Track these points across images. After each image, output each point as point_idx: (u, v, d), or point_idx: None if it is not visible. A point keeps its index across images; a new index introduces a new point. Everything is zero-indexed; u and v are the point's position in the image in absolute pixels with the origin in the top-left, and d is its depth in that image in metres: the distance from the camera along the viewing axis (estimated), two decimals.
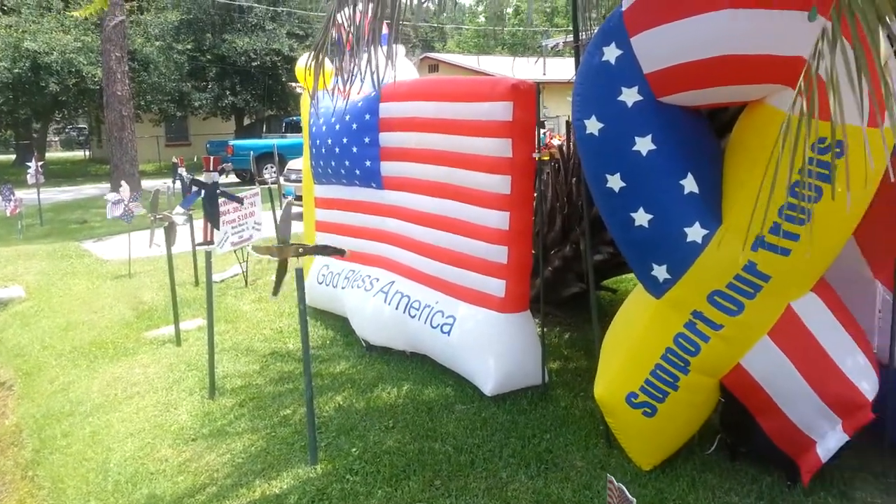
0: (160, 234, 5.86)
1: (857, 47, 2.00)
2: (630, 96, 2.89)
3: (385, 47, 3.29)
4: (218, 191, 4.53)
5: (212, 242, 4.74)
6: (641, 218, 3.00)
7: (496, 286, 4.25)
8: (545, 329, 5.45)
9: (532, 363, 4.27)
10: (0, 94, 20.55)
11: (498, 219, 4.21)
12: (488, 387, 4.19)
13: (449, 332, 4.44)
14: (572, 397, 4.18)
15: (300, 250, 3.54)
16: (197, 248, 4.60)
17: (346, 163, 5.42)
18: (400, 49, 8.92)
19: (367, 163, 5.22)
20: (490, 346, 4.22)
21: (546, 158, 5.81)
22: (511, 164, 4.12)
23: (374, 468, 3.55)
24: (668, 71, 2.80)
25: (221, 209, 7.34)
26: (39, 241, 11.31)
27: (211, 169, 4.52)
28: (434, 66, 28.15)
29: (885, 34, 2.13)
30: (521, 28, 33.80)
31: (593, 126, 3.00)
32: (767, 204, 2.45)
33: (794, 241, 2.78)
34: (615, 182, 3.02)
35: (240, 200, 4.68)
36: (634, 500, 2.01)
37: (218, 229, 4.70)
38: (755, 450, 3.26)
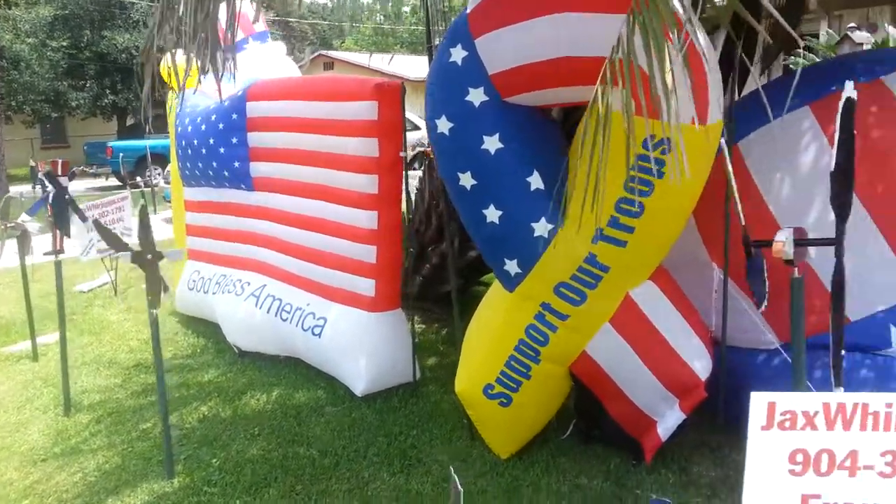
0: (11, 244, 5.45)
1: (659, 44, 2.12)
2: (477, 96, 2.95)
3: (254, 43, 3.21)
4: (66, 197, 4.26)
5: (62, 251, 4.45)
6: (492, 214, 3.08)
7: (366, 286, 4.24)
8: (424, 326, 5.53)
9: (403, 361, 4.29)
10: None
11: (366, 218, 4.20)
12: (359, 387, 4.18)
13: (320, 334, 4.39)
14: (442, 392, 4.23)
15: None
16: (44, 256, 4.30)
17: (214, 164, 5.25)
18: (280, 46, 8.74)
19: (236, 164, 5.07)
20: (361, 346, 4.20)
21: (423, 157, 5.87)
22: (378, 163, 4.12)
23: (234, 478, 3.45)
24: (512, 72, 2.89)
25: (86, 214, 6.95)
26: None
27: (60, 173, 4.26)
28: (329, 64, 27.81)
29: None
30: (419, 27, 33.97)
31: (444, 126, 3.05)
32: (588, 200, 2.58)
33: (630, 234, 2.93)
34: (467, 180, 3.08)
35: (83, 217, 4.37)
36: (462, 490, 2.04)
37: (69, 237, 4.41)
38: (604, 433, 3.41)
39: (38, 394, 4.73)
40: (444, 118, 3.04)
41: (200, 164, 5.43)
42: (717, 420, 3.42)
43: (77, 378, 4.90)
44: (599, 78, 2.21)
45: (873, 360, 3.02)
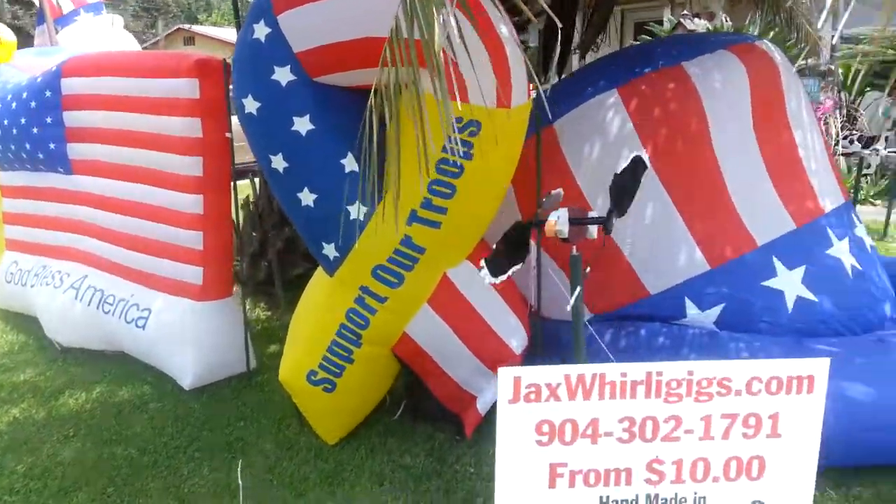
0: None
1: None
2: (283, 75, 2.86)
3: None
4: None
5: None
6: (307, 198, 3.02)
7: (193, 274, 4.05)
8: (269, 312, 5.38)
9: (236, 350, 4.15)
10: None
11: (191, 203, 4.00)
12: (187, 380, 4.00)
13: (144, 326, 4.15)
14: (277, 381, 4.12)
15: None
16: None
17: (27, 145, 4.81)
18: (117, 19, 8.11)
19: (52, 145, 4.67)
20: (187, 337, 4.02)
21: None
22: (202, 144, 3.93)
23: (40, 484, 3.20)
24: (317, 51, 2.82)
25: None
26: None
27: None
28: (190, 39, 26.33)
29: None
30: None
31: (251, 105, 2.94)
32: (401, 182, 2.59)
33: (443, 215, 2.96)
34: (279, 162, 2.99)
35: None
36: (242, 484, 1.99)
37: None
38: (429, 411, 3.47)
39: None
40: (250, 97, 2.93)
41: (13, 146, 4.95)
42: None
43: None
44: (381, 59, 2.19)
45: (669, 328, 3.25)
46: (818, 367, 1.82)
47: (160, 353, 4.14)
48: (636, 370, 1.64)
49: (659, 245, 3.32)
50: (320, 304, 3.29)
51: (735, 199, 3.29)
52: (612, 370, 1.60)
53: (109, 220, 4.42)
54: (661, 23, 11.68)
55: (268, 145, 2.98)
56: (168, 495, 3.06)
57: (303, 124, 2.91)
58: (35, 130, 4.71)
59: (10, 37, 8.04)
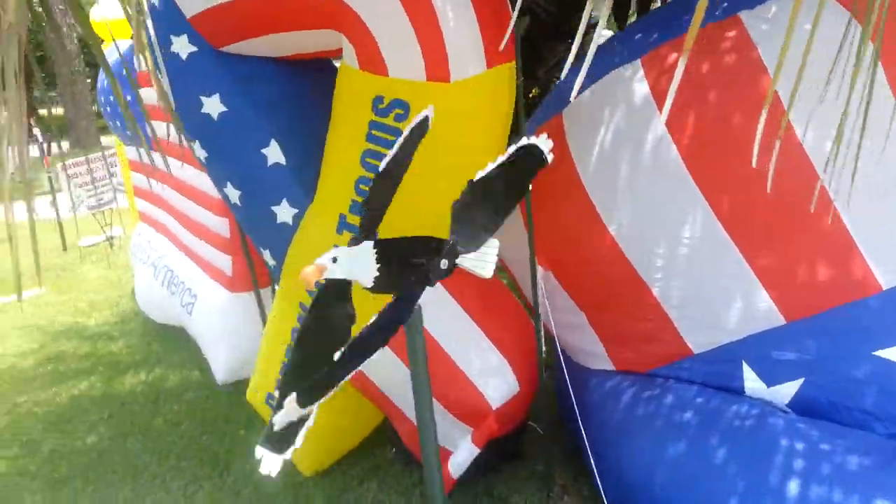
0: None
1: None
2: (182, 46, 2.35)
3: None
4: None
5: None
6: (233, 194, 2.51)
7: (224, 262, 3.82)
8: None
9: None
10: None
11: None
12: (220, 375, 3.81)
13: (192, 312, 4.05)
14: None
15: None
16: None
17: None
18: None
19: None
20: (221, 328, 3.82)
21: None
22: None
23: (49, 468, 3.25)
24: (208, 15, 2.25)
25: (71, 171, 7.00)
26: None
27: None
28: None
29: None
30: None
31: (165, 83, 2.48)
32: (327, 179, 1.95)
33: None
34: (200, 151, 2.52)
35: None
36: None
37: None
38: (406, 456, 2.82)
39: None
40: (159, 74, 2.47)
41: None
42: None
43: (4, 341, 4.96)
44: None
45: (707, 400, 2.14)
46: None
47: (202, 342, 4.01)
48: None
49: (702, 283, 2.21)
50: (272, 319, 2.79)
51: (845, 215, 2.02)
52: None
53: (174, 197, 4.37)
54: None
55: (187, 130, 2.51)
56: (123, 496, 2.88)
57: (213, 106, 2.37)
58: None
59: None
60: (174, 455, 3.24)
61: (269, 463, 1.40)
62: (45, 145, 8.39)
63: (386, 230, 2.18)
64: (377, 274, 1.47)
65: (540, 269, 2.54)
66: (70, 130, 15.39)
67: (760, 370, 2.11)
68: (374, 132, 2.18)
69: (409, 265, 1.51)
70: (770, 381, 2.10)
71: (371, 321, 1.50)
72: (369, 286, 1.49)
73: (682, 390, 2.20)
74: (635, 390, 2.32)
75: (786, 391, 2.08)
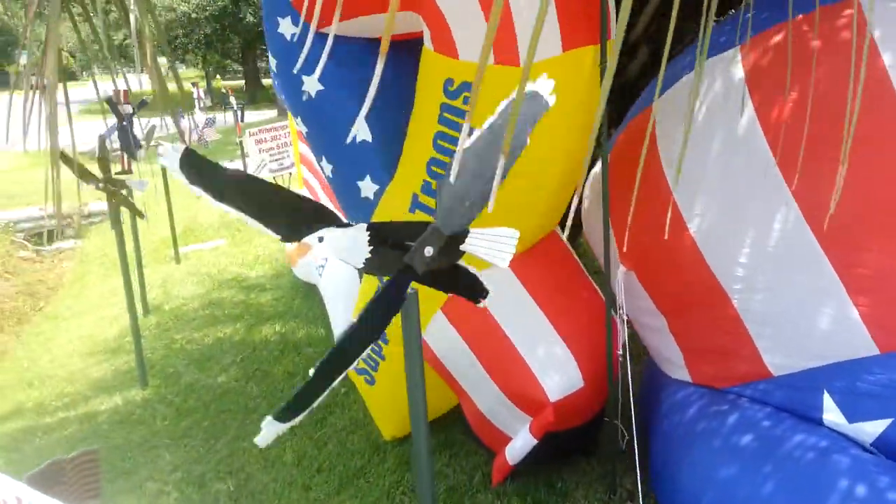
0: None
1: None
2: (287, 28, 2.51)
3: None
4: (124, 123, 4.75)
5: (129, 171, 5.04)
6: (326, 168, 2.68)
7: None
8: None
9: None
10: (209, 24, 22.91)
11: None
12: (337, 332, 4.08)
13: (321, 275, 4.36)
14: None
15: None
16: (115, 176, 4.87)
17: None
18: None
19: None
20: (340, 293, 4.07)
21: None
22: None
23: (195, 397, 3.72)
24: None
25: (258, 137, 7.73)
26: None
27: (122, 101, 4.78)
28: None
29: None
30: None
31: (272, 61, 2.69)
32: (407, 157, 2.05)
33: None
34: (301, 126, 2.70)
35: (137, 144, 4.77)
36: None
37: (135, 159, 4.97)
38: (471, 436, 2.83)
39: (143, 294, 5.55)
40: (271, 53, 2.67)
41: None
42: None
43: (181, 284, 5.69)
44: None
45: (773, 424, 1.91)
46: None
47: (327, 301, 4.30)
48: None
49: (786, 297, 1.96)
50: (361, 291, 2.92)
51: None
52: None
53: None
54: None
55: (290, 106, 2.69)
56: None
57: (311, 84, 2.52)
58: None
59: None
60: (281, 402, 3.54)
61: (267, 433, 1.49)
62: (238, 113, 9.36)
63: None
64: (368, 256, 1.50)
65: (622, 268, 2.41)
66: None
67: (843, 403, 1.85)
68: (445, 114, 2.20)
69: (402, 249, 1.52)
70: (852, 416, 1.84)
71: (356, 318, 1.53)
72: (359, 267, 1.53)
73: (750, 411, 2.00)
74: (702, 404, 2.14)
75: (871, 430, 1.81)
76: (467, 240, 1.60)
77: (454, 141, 2.20)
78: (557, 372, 2.37)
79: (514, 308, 2.41)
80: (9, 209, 8.36)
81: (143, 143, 5.21)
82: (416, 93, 2.39)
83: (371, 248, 1.48)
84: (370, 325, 1.53)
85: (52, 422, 3.74)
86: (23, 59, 2.00)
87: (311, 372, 1.51)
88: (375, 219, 2.51)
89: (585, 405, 2.45)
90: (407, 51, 2.55)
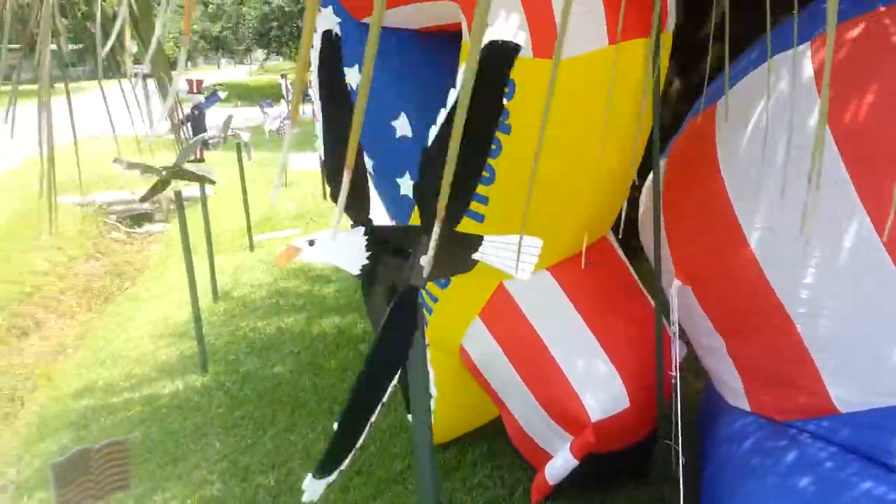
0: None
1: None
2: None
3: None
4: (196, 112, 4.87)
5: (202, 160, 5.16)
6: (369, 163, 2.59)
7: None
8: None
9: None
10: (301, 16, 23.38)
11: None
12: None
13: None
14: None
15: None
16: (187, 164, 4.97)
17: None
18: None
19: None
20: None
21: None
22: None
23: (251, 386, 3.78)
24: None
25: None
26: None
27: (195, 91, 4.90)
28: None
29: None
30: None
31: (315, 53, 2.61)
32: None
33: (484, 205, 2.16)
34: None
35: (204, 130, 4.89)
36: None
37: (207, 147, 5.08)
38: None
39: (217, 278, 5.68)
40: (314, 44, 2.60)
41: None
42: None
43: (251, 272, 5.81)
44: None
45: (839, 466, 1.68)
46: None
47: None
48: None
49: (856, 323, 1.71)
50: None
51: None
52: None
53: None
54: None
55: None
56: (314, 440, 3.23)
57: (352, 76, 2.44)
58: None
59: None
60: (329, 398, 3.53)
61: (312, 491, 1.39)
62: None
63: (498, 223, 2.08)
64: (366, 262, 1.39)
65: (676, 282, 2.20)
66: None
67: None
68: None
69: (402, 255, 1.40)
70: None
71: (366, 360, 1.41)
72: (355, 273, 1.42)
73: (811, 449, 1.77)
74: (760, 436, 1.92)
75: None
76: (481, 248, 1.47)
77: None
78: (600, 389, 2.20)
79: (555, 318, 2.26)
80: (105, 191, 8.78)
81: (220, 132, 5.33)
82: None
83: (369, 253, 1.37)
84: (386, 359, 1.42)
85: (117, 402, 3.88)
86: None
87: (335, 426, 1.40)
88: (414, 219, 2.41)
89: (631, 427, 2.27)
90: (449, 42, 2.43)
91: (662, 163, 2.28)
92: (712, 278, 2.09)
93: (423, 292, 2.48)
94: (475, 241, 1.46)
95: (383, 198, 2.64)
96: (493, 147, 2.01)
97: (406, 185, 2.42)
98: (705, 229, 2.07)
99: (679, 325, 2.21)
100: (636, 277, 2.51)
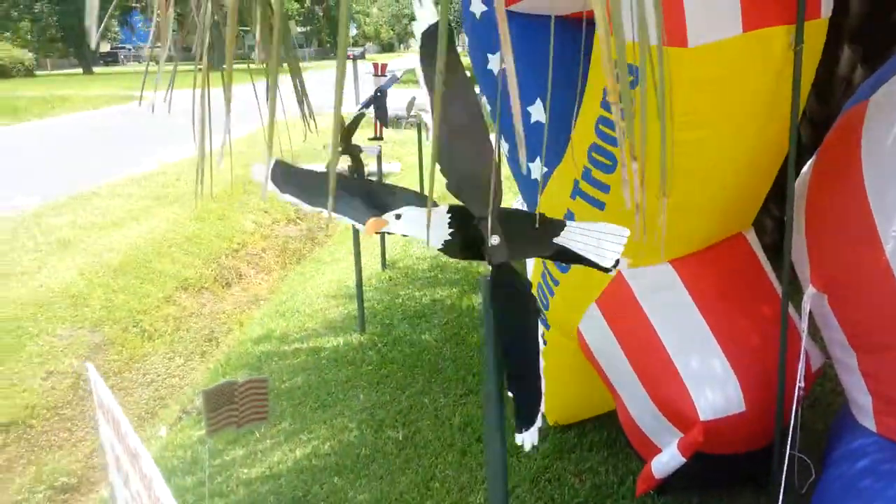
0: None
1: None
2: (477, 6, 2.56)
3: None
4: (378, 94, 5.19)
5: (381, 138, 5.50)
6: (504, 146, 2.69)
7: None
8: None
9: None
10: None
11: None
12: None
13: None
14: None
15: None
16: (368, 141, 5.36)
17: None
18: None
19: None
20: None
21: None
22: None
23: (399, 349, 4.10)
24: None
25: None
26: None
27: (379, 74, 5.26)
28: None
29: None
30: None
31: (463, 39, 2.76)
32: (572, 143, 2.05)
33: (605, 194, 2.18)
34: (487, 107, 2.74)
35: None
36: None
37: (385, 126, 5.42)
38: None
39: (387, 248, 6.08)
40: (464, 30, 2.74)
41: None
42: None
43: (418, 244, 6.16)
44: None
45: None
46: None
47: None
48: None
49: None
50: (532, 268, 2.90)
51: None
52: None
53: None
54: None
55: (479, 85, 2.74)
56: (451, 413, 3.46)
57: (495, 62, 2.55)
58: None
59: None
60: (465, 368, 3.70)
61: (529, 438, 1.55)
62: None
63: (619, 212, 2.09)
64: (448, 238, 1.49)
65: (811, 290, 2.05)
66: None
67: None
68: (607, 99, 2.07)
69: (480, 235, 1.47)
70: None
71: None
72: (439, 248, 1.52)
73: None
74: (877, 459, 1.77)
75: None
76: (563, 233, 1.51)
77: (613, 125, 2.07)
78: (713, 389, 2.13)
79: (672, 311, 2.21)
80: (310, 163, 9.70)
81: (405, 112, 5.68)
82: (591, 80, 2.28)
83: (452, 230, 1.48)
84: (513, 326, 1.53)
85: (287, 350, 4.39)
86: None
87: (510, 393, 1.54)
88: (544, 200, 2.47)
89: (745, 432, 2.17)
90: (591, 30, 2.44)
91: (813, 158, 2.13)
92: (847, 287, 1.93)
93: (548, 276, 2.56)
94: (557, 226, 1.51)
95: (516, 178, 2.72)
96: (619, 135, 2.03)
97: (536, 169, 2.49)
98: (843, 232, 1.91)
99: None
100: (773, 280, 2.36)
